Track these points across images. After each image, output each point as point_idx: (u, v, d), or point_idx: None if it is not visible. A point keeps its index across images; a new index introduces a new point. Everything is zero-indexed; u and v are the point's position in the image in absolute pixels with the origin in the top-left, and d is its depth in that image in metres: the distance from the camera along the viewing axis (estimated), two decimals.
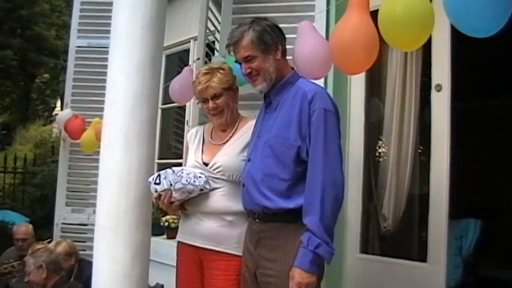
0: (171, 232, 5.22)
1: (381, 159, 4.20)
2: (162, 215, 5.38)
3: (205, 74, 3.02)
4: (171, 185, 2.88)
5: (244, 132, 3.01)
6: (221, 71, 3.00)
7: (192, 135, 3.23)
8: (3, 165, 9.69)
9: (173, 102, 5.78)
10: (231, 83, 3.01)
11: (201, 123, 4.29)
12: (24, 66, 25.46)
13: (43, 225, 6.69)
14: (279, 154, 2.65)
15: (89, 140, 5.38)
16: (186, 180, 2.88)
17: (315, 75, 3.12)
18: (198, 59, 4.50)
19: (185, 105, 5.80)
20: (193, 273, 3.02)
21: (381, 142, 4.19)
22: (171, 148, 6.92)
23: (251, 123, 3.02)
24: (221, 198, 2.93)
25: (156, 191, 2.94)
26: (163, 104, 6.12)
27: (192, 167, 3.03)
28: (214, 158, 2.99)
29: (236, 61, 2.88)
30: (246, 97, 3.28)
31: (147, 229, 3.23)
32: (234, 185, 2.91)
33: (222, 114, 3.03)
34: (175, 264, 4.67)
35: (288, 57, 2.91)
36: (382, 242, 4.10)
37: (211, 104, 3.01)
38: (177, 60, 6.30)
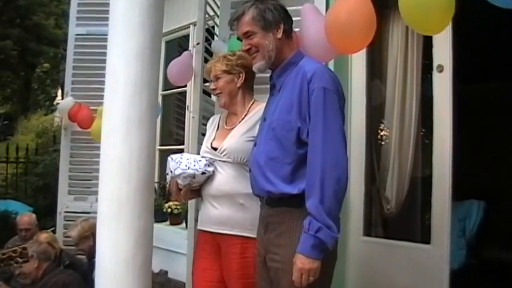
0: (173, 218, 5.24)
1: (383, 142, 4.19)
2: (165, 201, 5.39)
3: (217, 57, 3.14)
4: (171, 172, 2.89)
5: (252, 116, 3.02)
6: (228, 56, 3.06)
7: (210, 123, 3.30)
8: (5, 156, 9.68)
9: (173, 88, 5.78)
10: (232, 67, 3.03)
11: (202, 109, 4.29)
12: (24, 56, 25.41)
13: (46, 214, 6.70)
14: (280, 137, 2.62)
15: (100, 129, 5.35)
16: (186, 165, 2.92)
17: (320, 57, 3.09)
18: (197, 43, 4.47)
19: (186, 92, 5.79)
20: (212, 260, 3.05)
21: (383, 124, 4.17)
22: (172, 135, 6.92)
23: (261, 107, 3.01)
24: (229, 181, 2.95)
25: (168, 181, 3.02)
26: (164, 90, 6.10)
27: (203, 153, 3.09)
28: (223, 142, 3.02)
29: (238, 38, 2.90)
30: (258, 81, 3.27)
31: (150, 215, 3.21)
32: (242, 168, 2.93)
33: (221, 96, 3.10)
34: (178, 250, 4.71)
35: None
36: (385, 225, 4.10)
37: (212, 85, 3.13)
38: (177, 46, 6.29)
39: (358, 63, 4.07)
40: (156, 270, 4.55)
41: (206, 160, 2.96)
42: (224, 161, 2.98)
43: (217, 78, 3.08)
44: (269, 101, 2.88)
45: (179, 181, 2.95)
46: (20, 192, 9.23)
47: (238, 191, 2.92)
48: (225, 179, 2.96)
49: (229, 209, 2.95)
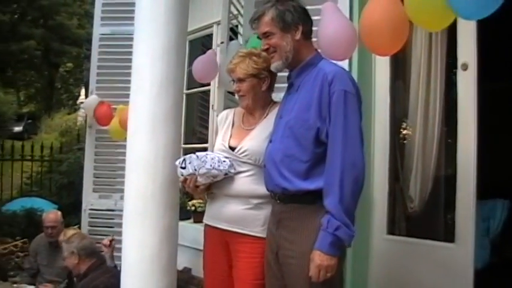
0: (197, 216, 5.25)
1: (406, 141, 4.17)
2: (189, 199, 5.42)
3: (240, 56, 3.06)
4: (195, 170, 2.90)
5: (272, 117, 3.00)
6: (254, 57, 3.00)
7: (223, 118, 3.26)
8: (30, 154, 9.80)
9: (197, 87, 5.81)
10: (259, 71, 2.99)
11: (226, 107, 4.31)
12: (48, 56, 25.73)
13: (70, 212, 6.78)
14: (298, 135, 2.66)
15: (117, 127, 5.40)
16: (210, 165, 2.91)
17: (338, 56, 3.10)
18: (222, 42, 4.50)
19: (209, 90, 5.82)
20: (220, 255, 3.06)
21: (406, 123, 4.16)
22: (195, 133, 6.95)
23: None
24: (246, 182, 2.95)
25: (182, 175, 2.98)
26: (188, 89, 6.13)
27: (218, 150, 3.07)
28: (242, 142, 3.01)
29: (258, 37, 2.92)
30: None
31: (175, 213, 3.26)
32: (260, 169, 2.92)
33: (245, 98, 3.06)
34: (202, 248, 4.73)
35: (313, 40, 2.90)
36: (408, 223, 4.09)
37: (235, 86, 3.08)
38: (200, 46, 6.31)
39: (381, 63, 4.06)
40: (180, 268, 4.57)
41: (230, 161, 2.96)
42: (243, 162, 2.98)
43: (241, 80, 3.04)
44: (285, 99, 2.90)
45: (200, 179, 2.94)
46: (45, 190, 9.33)
47: (255, 192, 2.93)
48: (243, 180, 2.97)
49: (243, 208, 2.95)
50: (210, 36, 6.22)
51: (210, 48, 5.49)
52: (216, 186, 3.03)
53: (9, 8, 23.60)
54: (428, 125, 3.93)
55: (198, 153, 3.00)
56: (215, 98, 5.24)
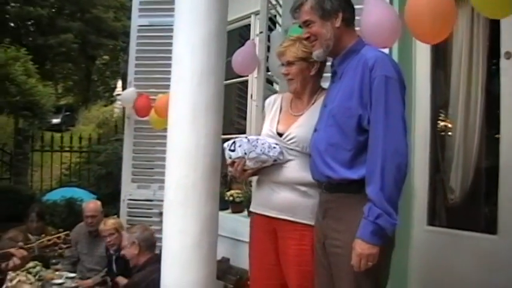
0: (235, 206, 5.27)
1: (447, 131, 4.12)
2: (227, 189, 5.44)
3: (290, 40, 3.05)
4: (245, 153, 2.91)
5: (320, 105, 2.96)
6: (304, 41, 2.96)
7: (270, 103, 3.24)
8: (69, 145, 9.94)
9: (234, 78, 5.82)
10: (308, 55, 2.95)
11: (265, 97, 4.31)
12: (85, 49, 26.04)
13: (109, 202, 6.86)
14: (341, 124, 2.64)
15: (158, 117, 5.44)
16: (261, 150, 2.91)
17: (381, 44, 3.06)
18: (261, 32, 4.50)
19: (247, 81, 5.81)
20: (267, 243, 3.06)
21: (447, 113, 4.11)
22: (233, 124, 6.97)
23: None
24: (294, 169, 2.94)
25: (230, 158, 3.00)
26: (225, 80, 6.14)
27: (266, 136, 3.05)
28: (289, 129, 3.00)
29: (299, 26, 2.91)
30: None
31: (216, 202, 3.26)
32: (307, 156, 2.90)
33: (293, 82, 3.04)
34: (240, 238, 4.74)
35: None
36: (449, 214, 4.04)
37: (284, 69, 3.06)
38: (238, 37, 6.30)
39: (422, 51, 4.01)
40: (218, 258, 4.60)
41: (280, 148, 2.95)
42: (291, 149, 2.97)
43: (290, 63, 3.02)
44: (330, 88, 2.89)
45: (249, 163, 2.95)
46: (83, 181, 9.47)
47: (303, 179, 2.92)
48: (291, 167, 2.96)
49: (291, 195, 2.94)
50: (247, 27, 6.21)
51: (248, 39, 5.48)
52: (263, 172, 3.03)
53: (47, 2, 23.93)
54: (470, 115, 3.86)
55: (249, 137, 3.01)
56: (254, 87, 5.24)
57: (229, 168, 3.11)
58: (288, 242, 2.95)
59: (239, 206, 5.31)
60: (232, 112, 6.96)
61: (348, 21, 2.79)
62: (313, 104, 3.04)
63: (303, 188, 2.92)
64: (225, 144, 3.01)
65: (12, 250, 2.82)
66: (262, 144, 2.93)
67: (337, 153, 2.64)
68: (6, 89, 17.40)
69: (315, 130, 2.82)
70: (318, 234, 2.79)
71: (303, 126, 2.97)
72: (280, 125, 3.07)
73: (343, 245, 2.57)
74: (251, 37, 5.74)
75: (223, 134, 5.79)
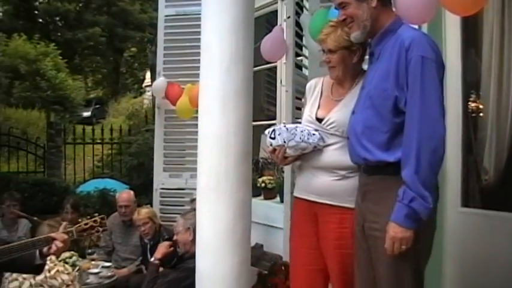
0: (267, 193, 5.28)
1: (479, 111, 4.06)
2: (258, 176, 5.45)
3: (331, 26, 2.97)
4: (284, 142, 2.92)
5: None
6: (346, 28, 2.88)
7: (311, 88, 3.21)
8: (100, 137, 10.05)
9: (262, 64, 5.81)
10: (350, 43, 2.89)
11: (295, 82, 4.30)
12: (112, 42, 26.28)
13: (140, 192, 6.92)
14: (377, 105, 2.60)
15: (185, 106, 5.47)
16: (300, 138, 2.91)
17: (417, 20, 2.99)
18: (288, 17, 4.48)
19: (276, 67, 5.80)
20: (308, 227, 3.05)
21: (479, 92, 4.04)
22: (263, 110, 6.96)
23: None
24: (334, 153, 2.93)
25: (271, 145, 3.00)
26: (253, 66, 6.14)
27: (305, 122, 3.05)
28: (329, 114, 2.97)
29: (335, 8, 2.86)
30: None
31: (248, 188, 3.27)
32: (346, 140, 2.88)
33: (335, 70, 2.99)
34: (273, 224, 4.76)
35: None
36: (483, 195, 3.98)
37: (325, 56, 3.00)
38: (265, 23, 6.28)
39: (452, 28, 3.93)
40: (251, 244, 4.62)
41: (319, 134, 2.93)
42: (331, 133, 2.95)
43: (332, 51, 2.96)
44: (368, 70, 2.85)
45: (289, 151, 2.95)
46: (115, 172, 9.56)
47: (342, 163, 2.90)
48: (331, 152, 2.94)
49: (330, 179, 2.93)
50: (274, 13, 6.19)
51: (275, 25, 5.46)
52: (304, 158, 3.03)
53: None
54: (503, 94, 3.79)
55: (287, 125, 3.00)
56: (283, 73, 5.23)
57: (270, 155, 3.13)
58: (328, 225, 2.94)
59: (271, 192, 5.32)
60: (261, 99, 6.95)
61: (384, 0, 2.73)
62: (353, 88, 2.99)
63: (342, 172, 2.91)
64: (266, 132, 3.02)
65: (53, 234, 2.86)
66: (302, 131, 2.92)
67: (373, 135, 2.62)
68: (37, 84, 17.74)
69: (353, 112, 2.79)
70: (357, 217, 2.77)
71: (342, 110, 2.94)
72: (320, 110, 3.04)
73: (382, 228, 2.54)
74: (278, 23, 5.71)
75: (254, 121, 5.81)
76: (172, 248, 4.53)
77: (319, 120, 2.99)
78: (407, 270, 2.53)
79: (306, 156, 3.00)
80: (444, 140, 2.48)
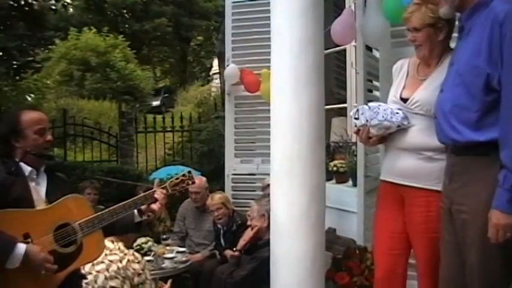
0: (339, 177, 5.22)
1: None
2: (330, 160, 5.40)
3: (415, 3, 2.88)
4: (367, 121, 2.89)
5: (446, 66, 2.79)
6: (430, 5, 2.79)
7: (397, 69, 3.13)
8: (171, 125, 10.18)
9: (331, 48, 5.75)
10: (436, 20, 2.80)
11: (366, 64, 4.23)
12: (179, 32, 26.64)
13: (211, 179, 6.97)
14: (467, 83, 2.47)
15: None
16: (382, 117, 2.86)
17: None
18: None
19: (345, 50, 5.73)
20: (394, 211, 3.00)
21: None
22: (333, 94, 6.89)
23: None
24: (419, 134, 2.86)
25: (355, 126, 2.98)
26: None
27: (390, 102, 2.99)
28: (414, 93, 2.90)
29: None
30: None
31: (322, 172, 3.27)
32: (432, 120, 2.78)
33: (421, 49, 2.90)
34: (345, 208, 4.71)
35: None
36: None
37: (410, 35, 2.91)
38: (332, 6, 6.21)
39: None
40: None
41: (403, 113, 2.88)
42: (416, 113, 2.88)
43: (417, 30, 2.86)
44: (457, 45, 2.70)
45: (372, 130, 2.92)
46: (186, 159, 9.65)
47: (428, 144, 2.82)
48: (415, 132, 2.87)
49: (416, 161, 2.87)
50: None
51: (343, 8, 5.39)
52: (389, 139, 2.98)
53: None
54: None
55: (370, 104, 2.97)
56: (354, 55, 5.18)
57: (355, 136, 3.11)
58: (414, 209, 2.89)
59: (343, 176, 5.26)
60: (331, 82, 6.88)
61: None
62: (439, 66, 2.89)
63: (428, 153, 2.84)
64: (351, 113, 3.01)
65: (151, 191, 2.93)
66: (384, 110, 2.87)
67: (462, 114, 2.49)
68: (108, 75, 18.23)
69: (441, 90, 2.67)
70: (444, 199, 2.67)
71: (426, 89, 2.85)
72: (406, 90, 2.97)
73: (470, 211, 2.46)
74: (346, 5, 5.63)
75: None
76: (253, 235, 4.56)
77: (404, 100, 2.92)
78: (497, 257, 2.41)
79: (390, 137, 2.96)
80: None
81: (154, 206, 2.93)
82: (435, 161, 2.81)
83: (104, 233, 2.84)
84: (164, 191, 2.95)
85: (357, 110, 2.94)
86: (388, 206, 3.03)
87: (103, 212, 2.79)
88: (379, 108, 2.88)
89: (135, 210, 2.95)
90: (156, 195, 2.92)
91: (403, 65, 3.10)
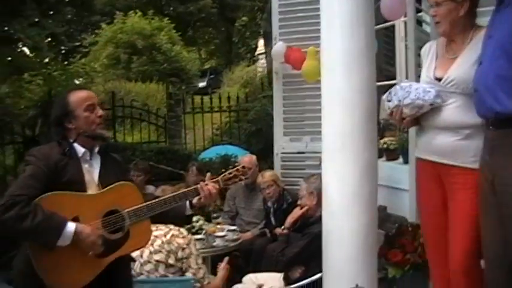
0: (389, 154, 5.20)
1: None
2: (380, 137, 5.37)
3: None
4: (400, 101, 2.87)
5: (477, 43, 2.79)
6: None
7: (426, 51, 3.15)
8: (218, 106, 10.24)
9: (379, 24, 5.69)
10: None
11: (417, 39, 4.17)
12: (223, 13, 26.60)
13: (260, 158, 6.99)
14: (511, 53, 2.44)
15: (311, 69, 5.42)
16: (415, 95, 2.86)
17: None
18: None
19: (393, 25, 5.66)
20: (433, 189, 3.01)
21: None
22: (381, 71, 6.82)
23: (483, 33, 2.79)
24: (455, 112, 2.85)
25: (389, 108, 2.98)
26: None
27: (424, 83, 2.98)
28: (448, 72, 2.89)
29: None
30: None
31: (374, 148, 3.24)
32: (468, 98, 2.77)
33: (441, 24, 2.90)
34: (396, 185, 4.69)
35: None
36: None
37: (432, 10, 2.93)
38: None
39: None
40: None
41: (435, 91, 2.86)
42: (451, 92, 2.86)
43: (438, 4, 2.86)
44: (494, 18, 2.66)
45: (405, 110, 2.92)
46: (234, 139, 9.72)
47: (464, 121, 2.81)
48: (452, 110, 2.86)
49: (453, 139, 2.86)
50: None
51: None
52: (424, 118, 2.98)
53: None
54: None
55: (402, 84, 2.98)
56: (404, 30, 5.12)
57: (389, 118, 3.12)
58: (453, 186, 2.89)
59: (393, 153, 5.23)
60: (380, 59, 6.81)
61: None
62: (469, 43, 2.88)
63: (465, 131, 2.83)
64: (383, 97, 3.01)
65: (202, 183, 2.96)
66: (416, 89, 2.88)
67: (506, 85, 2.46)
68: (154, 57, 18.36)
69: (480, 63, 2.65)
70: (485, 174, 2.65)
71: (460, 66, 2.84)
72: (438, 71, 2.97)
73: None
74: None
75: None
76: (301, 214, 4.57)
77: (439, 79, 2.91)
78: None
79: (426, 116, 2.95)
80: None
81: (204, 200, 2.96)
82: (472, 139, 2.80)
83: (154, 221, 2.89)
84: (216, 186, 2.96)
85: (389, 93, 2.95)
86: (427, 183, 3.07)
87: (152, 201, 2.83)
88: (410, 88, 2.90)
89: (187, 202, 2.99)
90: (205, 189, 2.93)
91: (431, 46, 3.12)
